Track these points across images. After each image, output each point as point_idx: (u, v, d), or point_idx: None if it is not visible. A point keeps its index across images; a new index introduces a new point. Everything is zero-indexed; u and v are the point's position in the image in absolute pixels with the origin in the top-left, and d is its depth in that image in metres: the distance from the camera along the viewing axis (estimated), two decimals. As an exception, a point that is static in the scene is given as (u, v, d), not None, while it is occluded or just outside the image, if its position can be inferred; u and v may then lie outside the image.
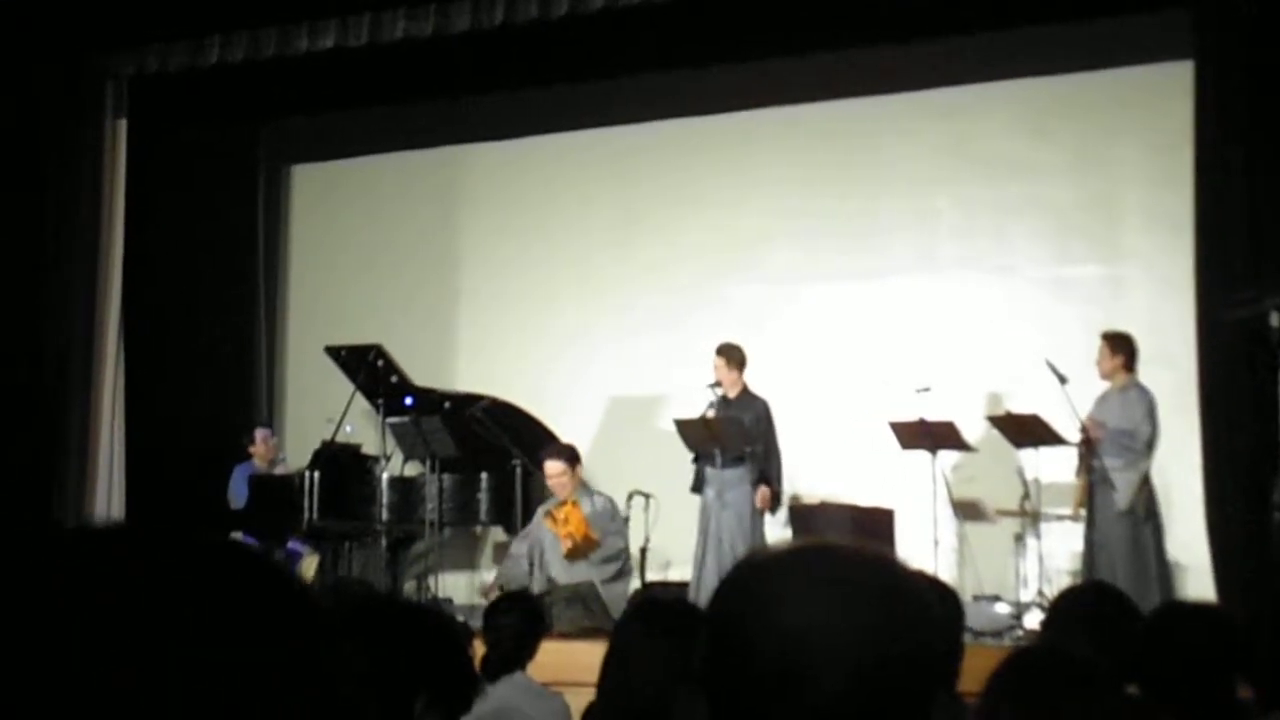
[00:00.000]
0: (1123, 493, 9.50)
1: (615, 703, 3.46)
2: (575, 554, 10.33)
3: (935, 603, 1.52)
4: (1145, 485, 9.58)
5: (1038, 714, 2.59)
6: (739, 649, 1.46)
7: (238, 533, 11.60)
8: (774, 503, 10.67)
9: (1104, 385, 9.93)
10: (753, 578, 1.53)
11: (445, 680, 2.78)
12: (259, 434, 12.49)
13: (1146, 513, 9.55)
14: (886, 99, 12.20)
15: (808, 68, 12.05)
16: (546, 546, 10.53)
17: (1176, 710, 3.44)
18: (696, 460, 10.70)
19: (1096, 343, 9.94)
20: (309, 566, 11.67)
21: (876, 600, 1.45)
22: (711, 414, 10.65)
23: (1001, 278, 11.81)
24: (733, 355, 10.79)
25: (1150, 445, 9.59)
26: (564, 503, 10.47)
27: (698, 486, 10.67)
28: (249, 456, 12.33)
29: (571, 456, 10.69)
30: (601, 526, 10.44)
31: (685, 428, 10.63)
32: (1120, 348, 9.82)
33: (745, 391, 10.79)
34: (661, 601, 4.57)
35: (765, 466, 10.57)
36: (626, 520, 10.61)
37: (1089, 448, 9.69)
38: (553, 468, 10.64)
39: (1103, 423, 9.66)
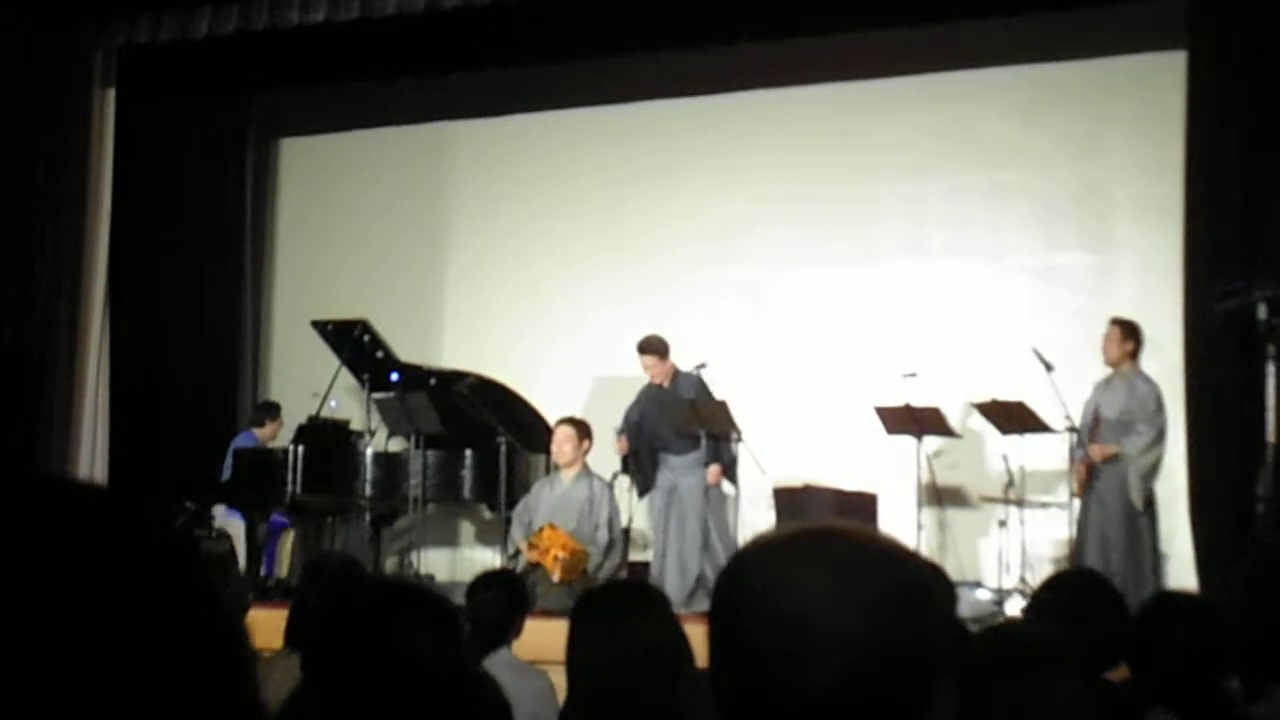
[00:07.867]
0: (1134, 483, 9.48)
1: (583, 695, 3.51)
2: (571, 572, 9.94)
3: (939, 586, 1.50)
4: (1153, 475, 9.58)
5: (1000, 690, 2.58)
6: (740, 635, 1.44)
7: (221, 505, 11.62)
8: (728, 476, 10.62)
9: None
10: (752, 563, 1.50)
11: (433, 657, 2.77)
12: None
13: (1145, 503, 9.55)
14: (878, 83, 12.18)
15: (798, 51, 12.02)
16: (538, 516, 10.48)
17: (1167, 698, 3.45)
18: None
19: (1104, 328, 9.86)
20: (285, 540, 11.65)
21: (878, 583, 1.42)
22: (705, 397, 10.58)
23: (990, 264, 11.82)
24: (659, 349, 10.73)
25: (1162, 436, 9.59)
26: (538, 531, 10.17)
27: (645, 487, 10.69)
28: (248, 427, 12.20)
29: (584, 429, 10.67)
30: (597, 515, 10.38)
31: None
32: (1131, 335, 9.78)
33: (678, 373, 10.73)
34: (602, 589, 4.66)
35: (716, 444, 10.52)
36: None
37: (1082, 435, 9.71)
38: (563, 431, 10.63)
39: (1107, 418, 9.66)
